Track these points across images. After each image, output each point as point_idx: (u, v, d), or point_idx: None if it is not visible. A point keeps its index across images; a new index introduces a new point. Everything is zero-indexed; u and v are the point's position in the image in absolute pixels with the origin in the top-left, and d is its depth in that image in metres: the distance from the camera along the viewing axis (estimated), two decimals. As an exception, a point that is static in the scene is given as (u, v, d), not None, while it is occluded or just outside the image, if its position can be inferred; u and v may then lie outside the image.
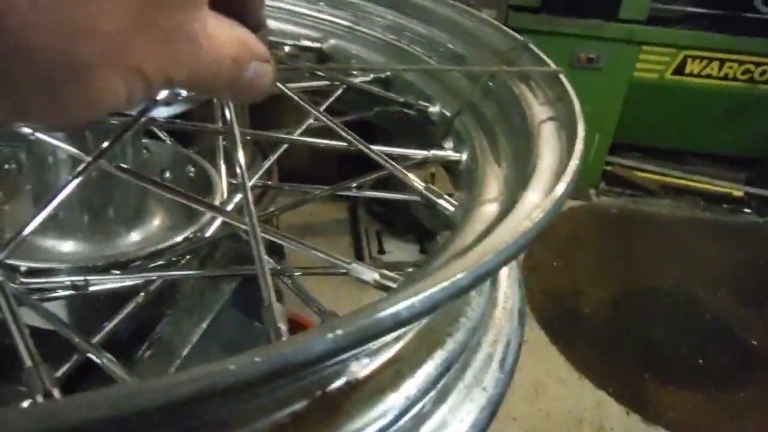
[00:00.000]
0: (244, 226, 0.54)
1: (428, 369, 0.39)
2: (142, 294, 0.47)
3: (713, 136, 3.36)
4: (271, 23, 0.79)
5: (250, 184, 0.48)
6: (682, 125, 3.36)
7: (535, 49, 0.59)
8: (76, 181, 0.48)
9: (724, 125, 3.29)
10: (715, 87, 3.14)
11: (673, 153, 3.51)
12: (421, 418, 0.39)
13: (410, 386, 0.38)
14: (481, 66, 0.62)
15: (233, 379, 0.22)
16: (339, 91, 0.67)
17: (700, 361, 2.16)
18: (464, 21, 0.69)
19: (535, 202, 0.38)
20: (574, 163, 0.40)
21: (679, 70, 3.13)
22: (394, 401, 0.37)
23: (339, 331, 0.25)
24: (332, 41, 0.76)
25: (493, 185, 0.50)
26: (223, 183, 0.62)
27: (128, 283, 0.50)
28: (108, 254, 0.51)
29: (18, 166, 0.63)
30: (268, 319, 0.36)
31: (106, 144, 0.47)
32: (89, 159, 0.47)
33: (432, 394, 0.39)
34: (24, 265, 0.49)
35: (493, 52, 0.63)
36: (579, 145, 0.42)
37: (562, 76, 0.53)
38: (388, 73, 0.71)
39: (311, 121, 0.60)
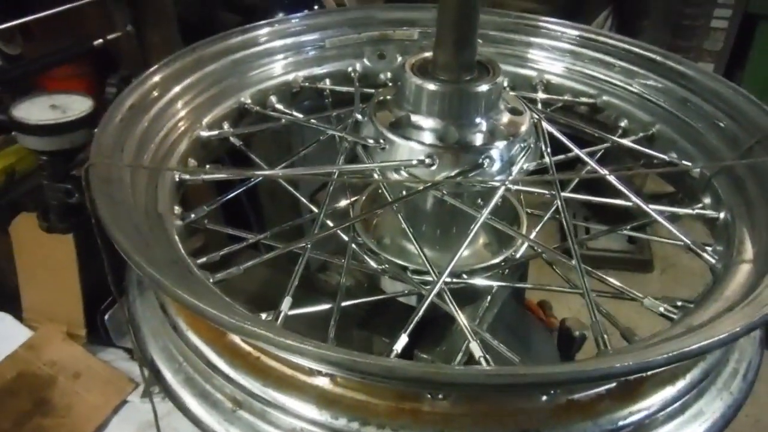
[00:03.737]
0: (544, 252, 0.78)
1: (693, 374, 0.59)
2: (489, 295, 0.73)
3: None
4: (554, 79, 1.01)
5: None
6: None
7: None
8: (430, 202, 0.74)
9: None
10: None
11: None
12: (686, 406, 0.59)
13: (681, 384, 0.58)
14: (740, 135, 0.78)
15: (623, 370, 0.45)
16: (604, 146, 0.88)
17: None
18: (725, 92, 0.84)
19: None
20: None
21: None
22: (670, 392, 0.58)
23: (671, 353, 0.46)
24: (605, 97, 0.96)
25: (747, 246, 0.67)
26: (524, 216, 0.86)
27: (483, 284, 0.77)
28: (462, 264, 0.78)
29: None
30: (595, 330, 0.59)
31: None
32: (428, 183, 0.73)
33: (694, 392, 0.60)
34: (412, 266, 0.77)
35: (752, 124, 0.79)
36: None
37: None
38: (653, 130, 0.89)
39: (583, 173, 0.81)
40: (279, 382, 0.57)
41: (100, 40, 1.20)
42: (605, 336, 0.59)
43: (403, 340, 0.58)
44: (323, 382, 0.56)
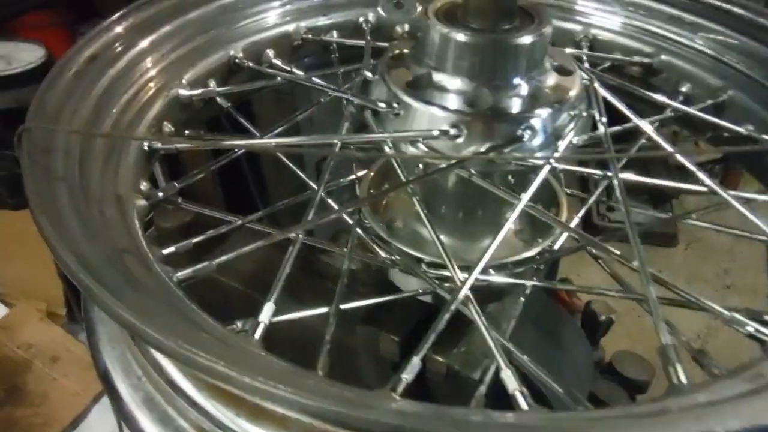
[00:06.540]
0: (592, 244, 0.64)
1: None
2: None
3: None
4: (602, 33, 0.85)
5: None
6: None
7: None
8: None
9: None
10: None
11: None
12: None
13: None
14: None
15: None
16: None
17: None
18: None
19: None
20: None
21: None
22: None
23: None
24: (664, 57, 0.80)
25: None
26: (564, 198, 0.72)
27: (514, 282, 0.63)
28: (495, 257, 0.64)
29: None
30: (665, 357, 0.45)
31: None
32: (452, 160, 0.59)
33: None
34: (428, 258, 0.64)
35: None
36: None
37: None
38: (725, 97, 0.74)
39: (645, 151, 0.66)
40: (254, 413, 0.44)
41: (77, -16, 1.06)
42: (678, 365, 0.45)
43: (416, 366, 0.45)
44: (310, 416, 0.43)
